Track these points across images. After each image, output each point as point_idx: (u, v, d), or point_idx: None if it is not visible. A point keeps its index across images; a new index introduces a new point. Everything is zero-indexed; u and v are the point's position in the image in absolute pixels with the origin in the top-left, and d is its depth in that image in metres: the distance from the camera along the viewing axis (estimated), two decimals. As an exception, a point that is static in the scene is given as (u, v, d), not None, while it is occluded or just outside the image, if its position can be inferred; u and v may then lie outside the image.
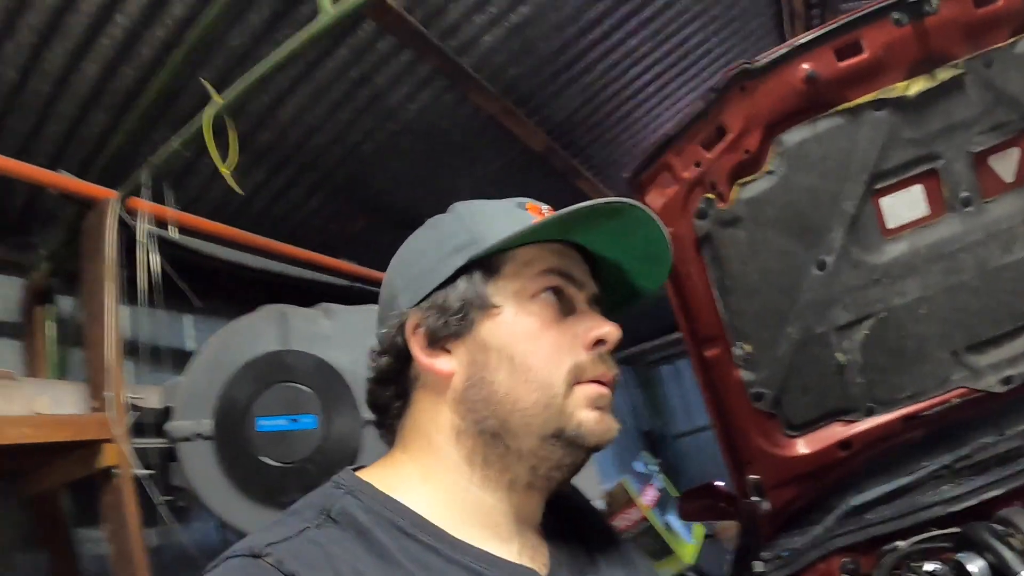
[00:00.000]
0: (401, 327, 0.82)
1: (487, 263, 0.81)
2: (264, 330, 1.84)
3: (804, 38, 1.91)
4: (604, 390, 0.80)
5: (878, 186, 1.96)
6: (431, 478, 0.79)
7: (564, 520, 0.90)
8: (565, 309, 0.82)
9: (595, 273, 0.89)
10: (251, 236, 2.47)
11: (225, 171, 1.59)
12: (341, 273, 3.03)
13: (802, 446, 2.10)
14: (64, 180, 2.04)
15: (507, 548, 0.77)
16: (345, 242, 3.27)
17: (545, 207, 0.87)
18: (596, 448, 0.79)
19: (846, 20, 1.90)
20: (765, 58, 1.90)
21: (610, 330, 0.80)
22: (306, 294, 2.67)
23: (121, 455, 1.76)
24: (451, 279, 0.81)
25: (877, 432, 2.03)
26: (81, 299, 2.35)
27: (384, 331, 0.84)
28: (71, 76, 2.10)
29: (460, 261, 0.80)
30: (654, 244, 0.86)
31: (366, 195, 3.33)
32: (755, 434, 2.10)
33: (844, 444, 2.05)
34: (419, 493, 0.78)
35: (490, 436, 0.77)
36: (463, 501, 0.78)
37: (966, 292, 1.96)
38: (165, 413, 1.95)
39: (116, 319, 1.84)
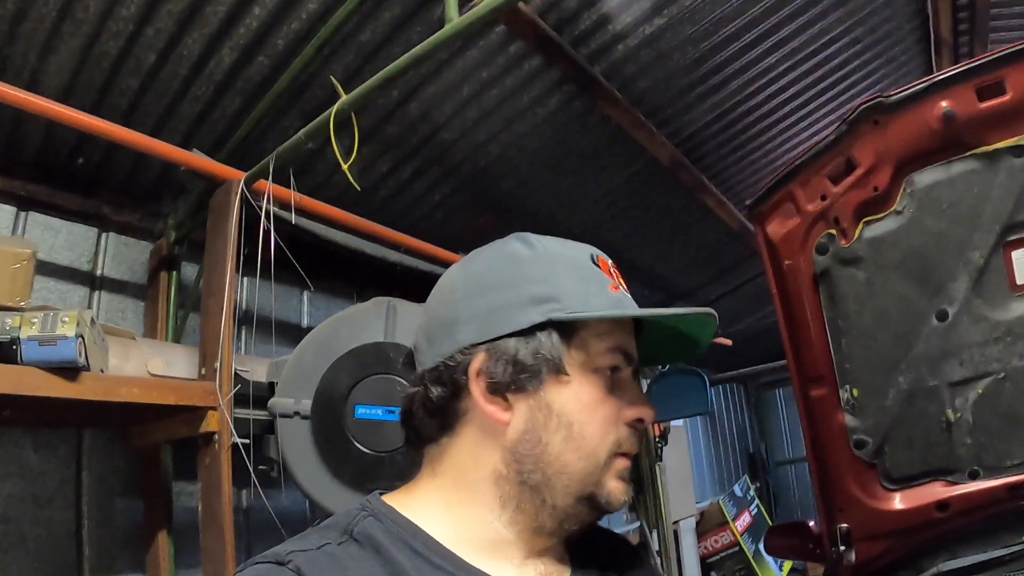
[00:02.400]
0: (464, 364, 0.81)
1: (566, 325, 0.81)
2: (372, 321, 1.89)
3: (944, 74, 1.82)
4: (628, 463, 0.85)
5: (1011, 238, 1.84)
6: (456, 509, 0.81)
7: (594, 548, 0.92)
8: (615, 381, 0.84)
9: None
10: (367, 223, 2.54)
11: (345, 167, 1.64)
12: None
13: (898, 501, 2.00)
14: (195, 159, 2.15)
15: (521, 573, 0.81)
16: (466, 238, 3.31)
17: (610, 263, 0.90)
18: (615, 510, 0.84)
19: (990, 58, 1.80)
20: (902, 92, 1.82)
21: (650, 413, 0.85)
22: (418, 284, 2.72)
23: (223, 422, 1.85)
24: (527, 331, 0.80)
25: (979, 497, 1.91)
26: (202, 269, 2.49)
27: (440, 360, 0.82)
28: (207, 62, 2.21)
29: (539, 317, 0.80)
30: (702, 332, 0.92)
31: (490, 194, 3.36)
32: (851, 482, 2.02)
33: (942, 505, 1.94)
34: (439, 520, 0.80)
35: (531, 488, 0.80)
36: (483, 533, 0.80)
37: (1094, 361, 1.82)
38: (270, 387, 2.03)
39: (233, 293, 1.93)
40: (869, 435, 1.95)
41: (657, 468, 4.40)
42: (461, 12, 1.61)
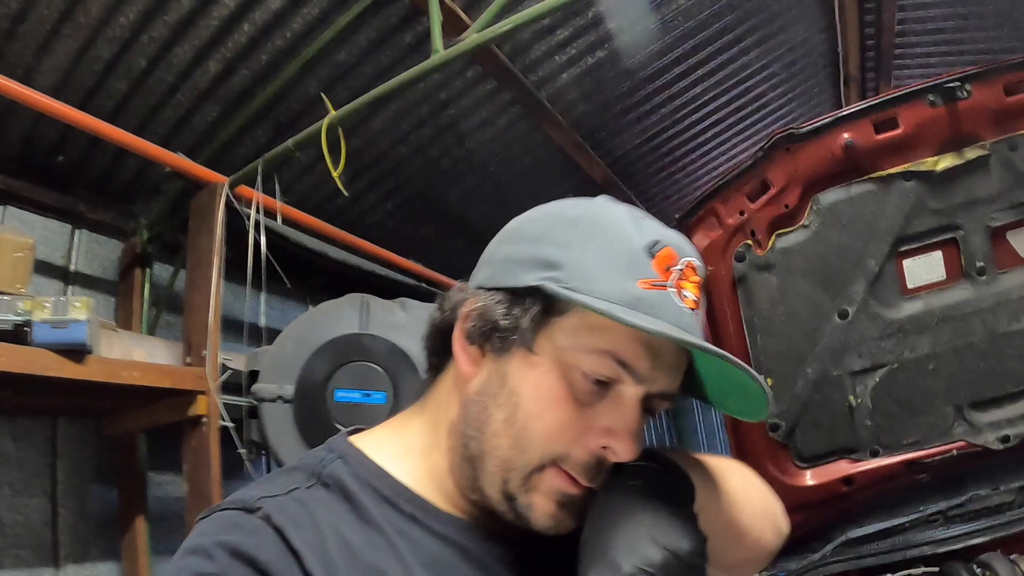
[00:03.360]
0: (461, 302, 0.77)
1: (554, 300, 0.71)
2: (348, 314, 2.09)
3: (847, 111, 2.16)
4: (574, 491, 0.70)
5: (901, 248, 2.19)
6: (428, 452, 0.78)
7: None
8: (601, 392, 0.71)
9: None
10: (333, 229, 2.74)
11: (336, 175, 1.84)
12: (409, 273, 3.28)
13: (809, 477, 2.31)
14: (181, 161, 2.32)
15: (496, 523, 0.74)
16: (414, 245, 3.53)
17: (683, 261, 0.73)
18: (544, 533, 0.72)
19: (886, 98, 2.14)
20: (811, 125, 2.14)
21: (624, 451, 0.70)
22: (372, 288, 2.93)
23: (212, 406, 2.02)
24: (520, 291, 0.73)
25: (879, 473, 2.24)
26: (176, 266, 2.63)
27: (451, 296, 0.80)
28: (193, 71, 2.39)
29: (533, 280, 0.71)
30: (748, 392, 0.74)
31: (438, 205, 3.61)
32: (767, 461, 2.31)
33: (847, 480, 2.26)
34: (409, 463, 0.77)
35: (467, 458, 0.73)
36: (451, 481, 0.75)
37: (973, 353, 2.17)
38: (250, 375, 2.20)
39: (219, 288, 2.10)
40: (782, 419, 2.25)
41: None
42: (445, 46, 1.84)
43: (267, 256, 2.09)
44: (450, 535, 0.72)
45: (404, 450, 0.78)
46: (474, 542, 0.73)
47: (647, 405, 0.73)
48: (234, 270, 2.44)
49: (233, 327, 2.95)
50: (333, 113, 1.92)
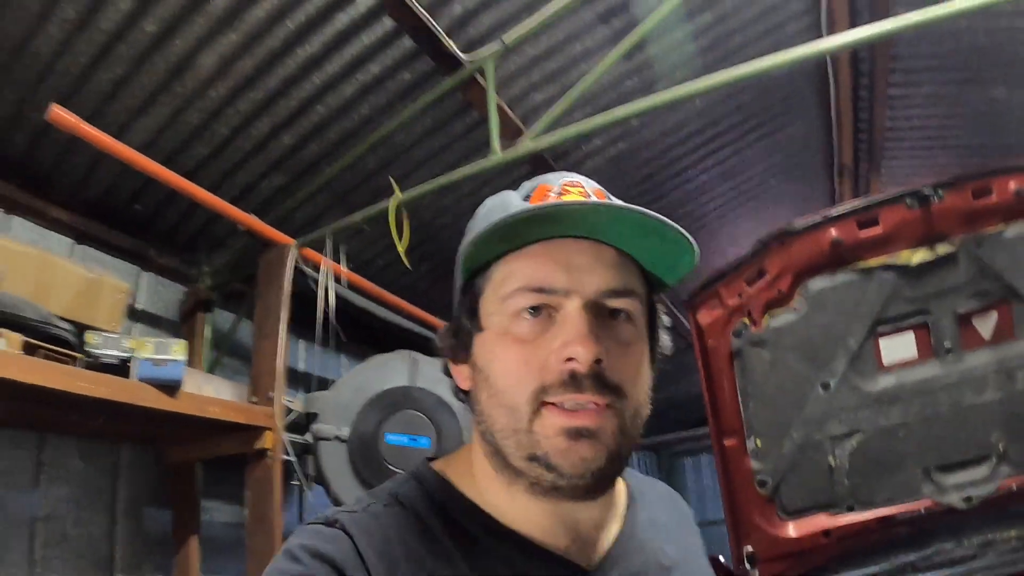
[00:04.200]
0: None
1: (473, 282, 0.79)
2: (399, 368, 2.40)
3: (834, 211, 2.49)
4: (572, 421, 0.71)
5: (879, 330, 2.49)
6: (481, 472, 0.81)
7: (648, 537, 0.87)
8: (546, 320, 0.73)
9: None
10: (382, 291, 3.06)
11: (401, 249, 2.16)
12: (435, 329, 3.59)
13: (792, 529, 2.59)
14: (254, 221, 2.64)
15: (555, 541, 0.77)
16: (440, 305, 3.83)
17: (561, 182, 0.80)
18: (578, 477, 0.71)
19: (869, 201, 2.48)
20: (803, 222, 2.48)
21: (581, 349, 0.70)
22: (404, 341, 3.26)
23: (276, 441, 2.31)
24: (461, 296, 0.81)
25: (855, 526, 2.51)
26: (240, 314, 2.94)
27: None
28: (269, 143, 2.74)
29: (459, 280, 0.81)
30: (668, 238, 0.77)
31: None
32: (755, 513, 2.60)
33: (826, 532, 2.53)
34: (472, 483, 0.81)
35: (493, 449, 0.76)
36: (504, 496, 0.78)
37: (940, 422, 2.44)
38: (307, 417, 2.50)
39: (286, 337, 2.41)
40: (769, 476, 2.55)
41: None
42: (502, 147, 2.19)
43: (326, 312, 2.40)
44: (508, 552, 0.76)
45: (468, 470, 0.82)
46: (530, 558, 0.76)
47: (603, 310, 0.75)
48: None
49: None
50: (399, 196, 2.25)
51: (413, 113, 2.56)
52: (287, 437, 2.38)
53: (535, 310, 0.74)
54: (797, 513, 2.57)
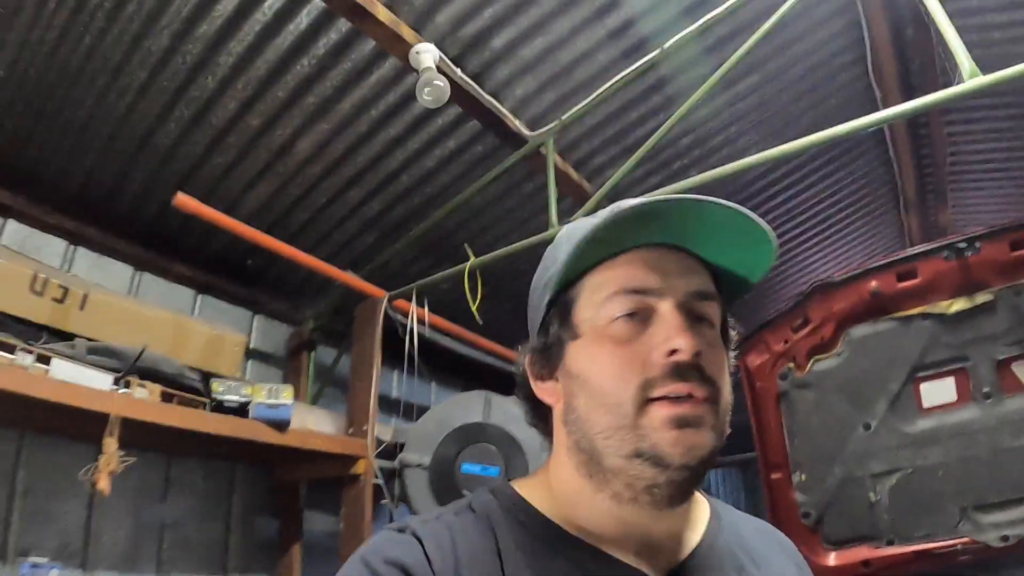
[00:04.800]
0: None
1: (563, 296, 0.84)
2: (475, 405, 2.76)
3: (873, 264, 2.68)
4: (679, 410, 0.74)
5: (918, 375, 2.66)
6: (556, 485, 0.85)
7: (728, 549, 0.88)
8: (642, 323, 0.78)
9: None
10: (464, 331, 3.43)
11: (474, 308, 2.50)
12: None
13: (833, 559, 2.77)
14: (350, 277, 3.05)
15: (622, 551, 0.79)
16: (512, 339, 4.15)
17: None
18: (686, 466, 0.74)
19: (907, 254, 2.66)
20: (844, 275, 2.68)
21: (684, 341, 0.75)
22: (482, 372, 3.62)
23: (368, 467, 2.71)
24: (547, 314, 0.85)
25: (894, 559, 2.67)
26: (340, 351, 3.36)
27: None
28: (362, 207, 3.13)
29: (548, 296, 0.84)
30: (748, 232, 0.81)
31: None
32: (800, 543, 2.76)
33: (866, 563, 2.70)
34: (546, 496, 0.85)
35: (588, 456, 0.79)
36: (580, 506, 0.82)
37: (978, 464, 2.56)
38: (394, 446, 2.87)
39: (378, 379, 2.80)
40: (813, 508, 2.74)
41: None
42: (560, 223, 2.50)
43: (411, 353, 2.77)
44: (576, 559, 0.78)
45: (541, 487, 0.86)
46: (598, 564, 0.78)
47: (694, 313, 0.80)
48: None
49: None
50: (473, 260, 2.60)
51: (485, 180, 2.90)
52: (378, 463, 2.76)
53: (632, 313, 0.78)
54: (839, 544, 2.75)
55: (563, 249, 0.82)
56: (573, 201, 2.88)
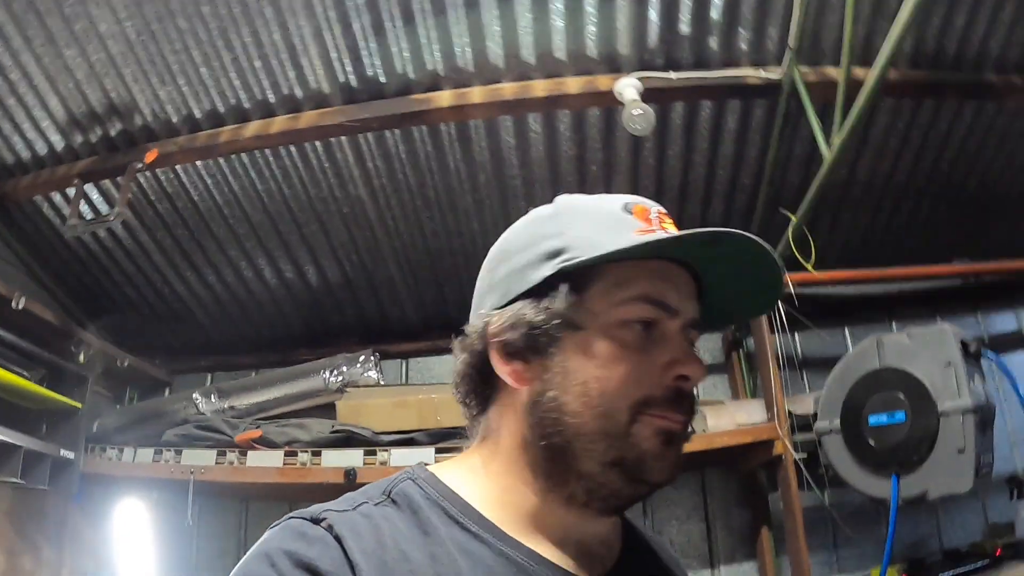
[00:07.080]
0: (484, 330, 0.80)
1: (577, 276, 0.76)
2: (868, 351, 2.64)
3: None
4: (674, 426, 0.75)
5: None
6: (494, 478, 0.80)
7: (646, 558, 0.90)
8: (650, 336, 0.76)
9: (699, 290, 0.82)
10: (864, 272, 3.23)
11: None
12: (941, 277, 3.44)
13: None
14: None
15: (559, 555, 0.76)
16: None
17: (655, 210, 0.81)
18: (657, 485, 0.75)
19: None
20: None
21: (695, 369, 0.75)
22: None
23: (785, 447, 2.82)
24: (538, 288, 0.77)
25: None
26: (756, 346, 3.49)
27: (469, 331, 0.82)
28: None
29: (549, 271, 0.76)
30: (766, 271, 0.80)
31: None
32: None
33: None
34: (477, 487, 0.79)
35: (554, 452, 0.75)
36: (519, 504, 0.78)
37: None
38: (814, 416, 2.86)
39: (780, 379, 2.95)
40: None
41: None
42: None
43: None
44: (516, 557, 0.73)
45: (471, 472, 0.81)
46: (539, 566, 0.74)
47: (688, 339, 0.79)
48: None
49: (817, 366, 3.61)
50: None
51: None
52: (801, 438, 2.86)
53: (647, 324, 0.76)
54: None
55: (589, 227, 0.79)
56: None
